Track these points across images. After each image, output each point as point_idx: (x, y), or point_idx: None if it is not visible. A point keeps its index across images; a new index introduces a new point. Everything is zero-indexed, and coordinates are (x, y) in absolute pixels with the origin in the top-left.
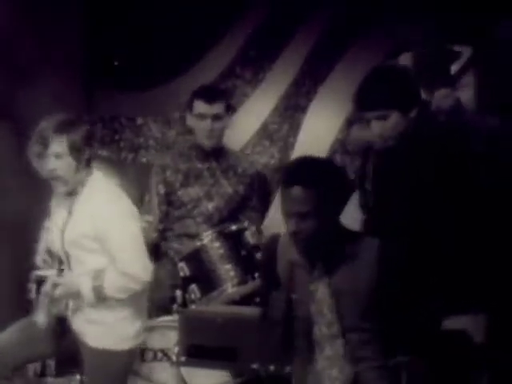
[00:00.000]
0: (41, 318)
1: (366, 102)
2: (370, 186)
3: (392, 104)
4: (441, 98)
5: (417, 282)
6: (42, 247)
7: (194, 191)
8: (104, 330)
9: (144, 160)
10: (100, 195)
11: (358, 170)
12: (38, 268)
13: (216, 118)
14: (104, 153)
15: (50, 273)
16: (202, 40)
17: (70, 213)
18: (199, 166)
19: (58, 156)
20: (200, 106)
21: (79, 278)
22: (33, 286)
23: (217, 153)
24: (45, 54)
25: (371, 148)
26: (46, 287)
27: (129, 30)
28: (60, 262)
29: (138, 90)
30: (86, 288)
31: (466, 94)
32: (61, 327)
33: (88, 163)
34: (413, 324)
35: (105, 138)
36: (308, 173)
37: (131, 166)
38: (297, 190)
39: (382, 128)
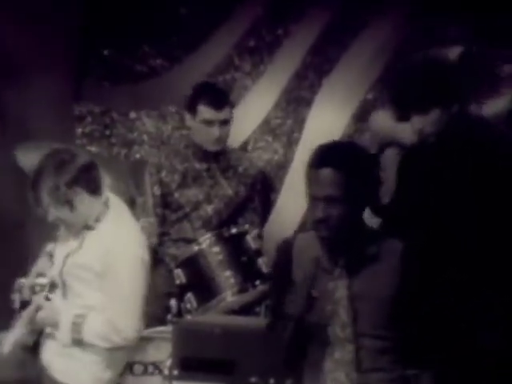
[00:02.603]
0: (9, 339)
1: (405, 102)
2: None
3: (433, 101)
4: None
5: (441, 289)
6: (34, 270)
7: (192, 193)
8: (75, 366)
9: (137, 156)
10: (116, 233)
11: None
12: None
13: (224, 123)
14: (94, 149)
15: (32, 281)
16: (197, 29)
17: (80, 244)
18: (197, 166)
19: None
20: (207, 112)
21: (62, 308)
22: (16, 296)
23: (216, 152)
24: (32, 44)
25: (392, 143)
26: (29, 308)
27: (121, 18)
28: (52, 287)
29: (131, 81)
30: (65, 321)
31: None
32: (28, 357)
33: (92, 192)
34: (431, 335)
35: (95, 134)
36: (340, 155)
37: (123, 163)
38: (327, 172)
39: (422, 123)
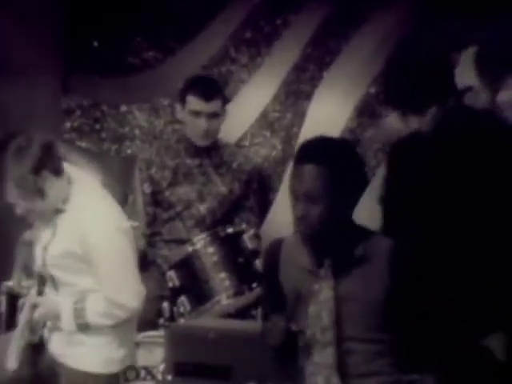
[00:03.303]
0: (12, 361)
1: (398, 98)
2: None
3: (429, 97)
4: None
5: (435, 289)
6: (18, 264)
7: (184, 191)
8: (87, 352)
9: (129, 152)
10: (87, 210)
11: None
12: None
13: (213, 116)
14: (83, 144)
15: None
16: (192, 19)
17: (53, 231)
18: (188, 162)
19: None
20: (195, 103)
21: (59, 299)
22: (3, 299)
23: (209, 147)
24: (17, 35)
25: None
26: (25, 310)
27: (111, 7)
28: (41, 281)
29: (122, 74)
30: (66, 310)
31: None
32: (34, 351)
33: (57, 173)
34: (429, 336)
35: (84, 128)
36: (322, 150)
37: (114, 158)
38: (308, 168)
39: (419, 123)
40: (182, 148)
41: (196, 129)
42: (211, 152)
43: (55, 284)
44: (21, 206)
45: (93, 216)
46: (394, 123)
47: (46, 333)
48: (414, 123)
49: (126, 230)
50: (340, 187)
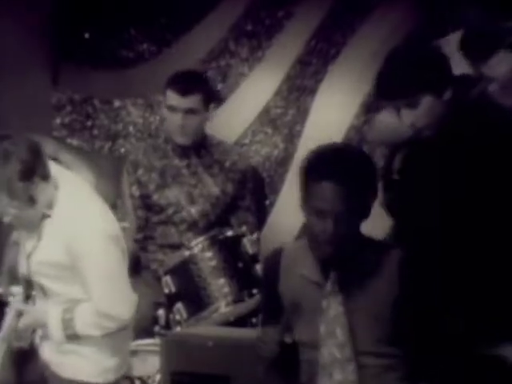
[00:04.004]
0: None
1: (390, 89)
2: (397, 185)
3: (421, 87)
4: (495, 65)
5: (447, 301)
6: (5, 267)
7: (172, 193)
8: (79, 361)
9: (122, 150)
10: (73, 216)
11: (384, 164)
12: None
13: (189, 112)
14: (74, 142)
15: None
16: (189, 10)
17: (38, 237)
18: (176, 162)
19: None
20: (172, 97)
21: (47, 308)
22: None
23: (197, 146)
24: (4, 25)
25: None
26: (9, 317)
27: None
28: (27, 286)
29: (115, 67)
30: (53, 321)
31: None
32: (22, 357)
33: (46, 178)
34: (440, 349)
35: (75, 124)
36: (341, 167)
37: (107, 157)
38: (327, 186)
39: (413, 117)
40: (169, 148)
41: (172, 125)
42: (200, 151)
43: (44, 290)
44: (9, 214)
45: (79, 223)
46: (387, 119)
47: (37, 339)
48: (408, 117)
49: (115, 236)
50: (358, 202)
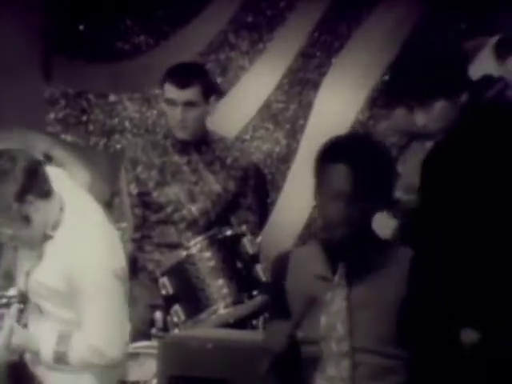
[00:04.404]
0: None
1: (403, 91)
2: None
3: (436, 92)
4: None
5: (457, 303)
6: (2, 270)
7: (172, 191)
8: (67, 378)
9: (118, 146)
10: (77, 242)
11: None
12: None
13: (188, 105)
14: (68, 138)
15: None
16: (187, 1)
17: (39, 257)
18: (176, 159)
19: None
20: (170, 90)
21: (41, 335)
22: None
23: (198, 142)
24: None
25: (414, 139)
26: (3, 330)
27: None
28: (22, 299)
29: (110, 60)
30: (46, 351)
31: None
32: (16, 370)
33: (45, 196)
34: (447, 353)
35: (69, 119)
36: (354, 148)
37: (102, 154)
38: (345, 167)
39: (426, 119)
40: (169, 144)
41: (172, 119)
42: (201, 147)
43: (39, 308)
44: (4, 235)
45: (82, 253)
46: (400, 117)
47: (28, 357)
48: (421, 118)
49: (119, 271)
50: (372, 188)
